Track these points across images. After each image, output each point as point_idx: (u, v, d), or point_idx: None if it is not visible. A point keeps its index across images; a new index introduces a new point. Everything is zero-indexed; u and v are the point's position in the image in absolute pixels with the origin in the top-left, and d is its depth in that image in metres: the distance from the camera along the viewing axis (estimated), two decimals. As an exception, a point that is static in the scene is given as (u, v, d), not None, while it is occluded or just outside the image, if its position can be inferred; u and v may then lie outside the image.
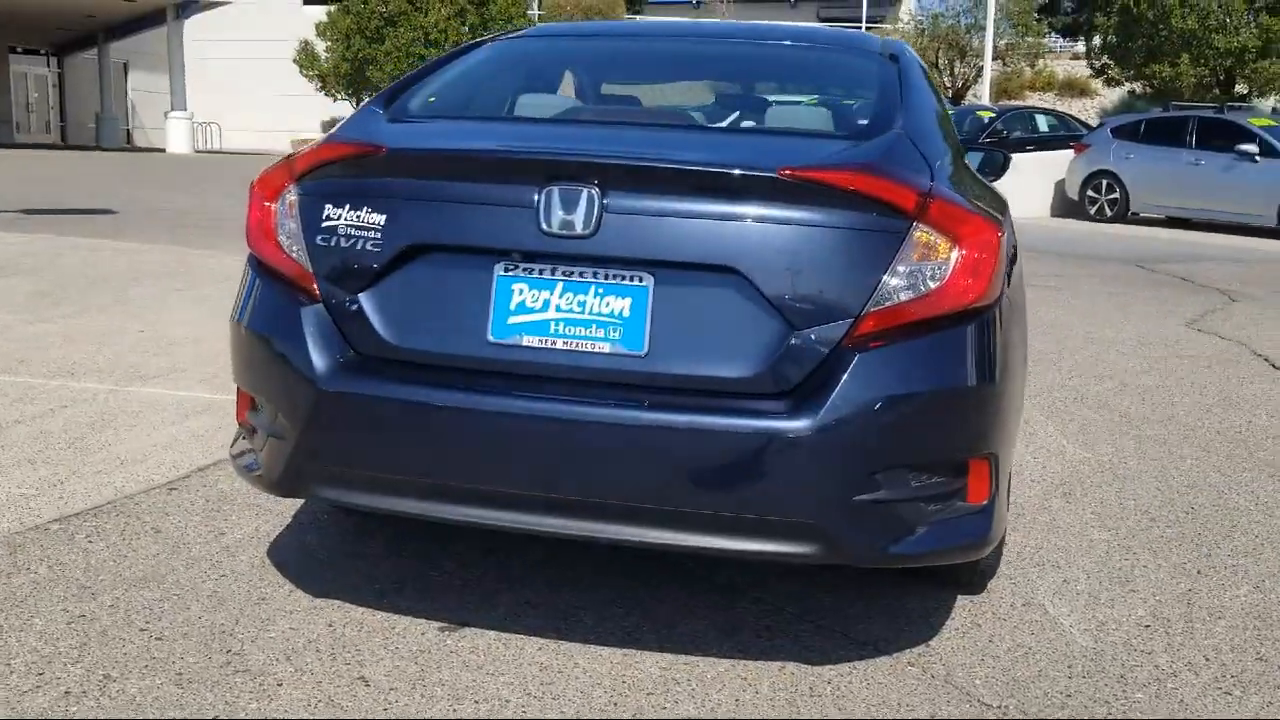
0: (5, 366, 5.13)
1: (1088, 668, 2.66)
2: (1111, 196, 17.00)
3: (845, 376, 2.24)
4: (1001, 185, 3.49)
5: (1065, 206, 17.89)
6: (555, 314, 2.36)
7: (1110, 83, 30.15)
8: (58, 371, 5.07)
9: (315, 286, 2.48)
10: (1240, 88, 27.36)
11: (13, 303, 6.70)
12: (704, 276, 2.31)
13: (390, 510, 2.47)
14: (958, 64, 35.42)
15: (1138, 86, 28.94)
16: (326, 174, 2.52)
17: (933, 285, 2.29)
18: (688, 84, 3.62)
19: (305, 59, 36.10)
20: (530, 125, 2.91)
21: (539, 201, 2.33)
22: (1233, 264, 11.85)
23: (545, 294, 2.36)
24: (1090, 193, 17.22)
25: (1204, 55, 26.24)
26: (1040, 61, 36.29)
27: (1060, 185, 18.01)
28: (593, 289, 2.34)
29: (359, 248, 2.44)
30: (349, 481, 2.45)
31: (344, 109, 37.35)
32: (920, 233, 2.29)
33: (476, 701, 2.39)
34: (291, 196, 2.54)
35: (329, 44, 35.03)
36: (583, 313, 2.34)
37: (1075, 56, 39.37)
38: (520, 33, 3.55)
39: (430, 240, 2.41)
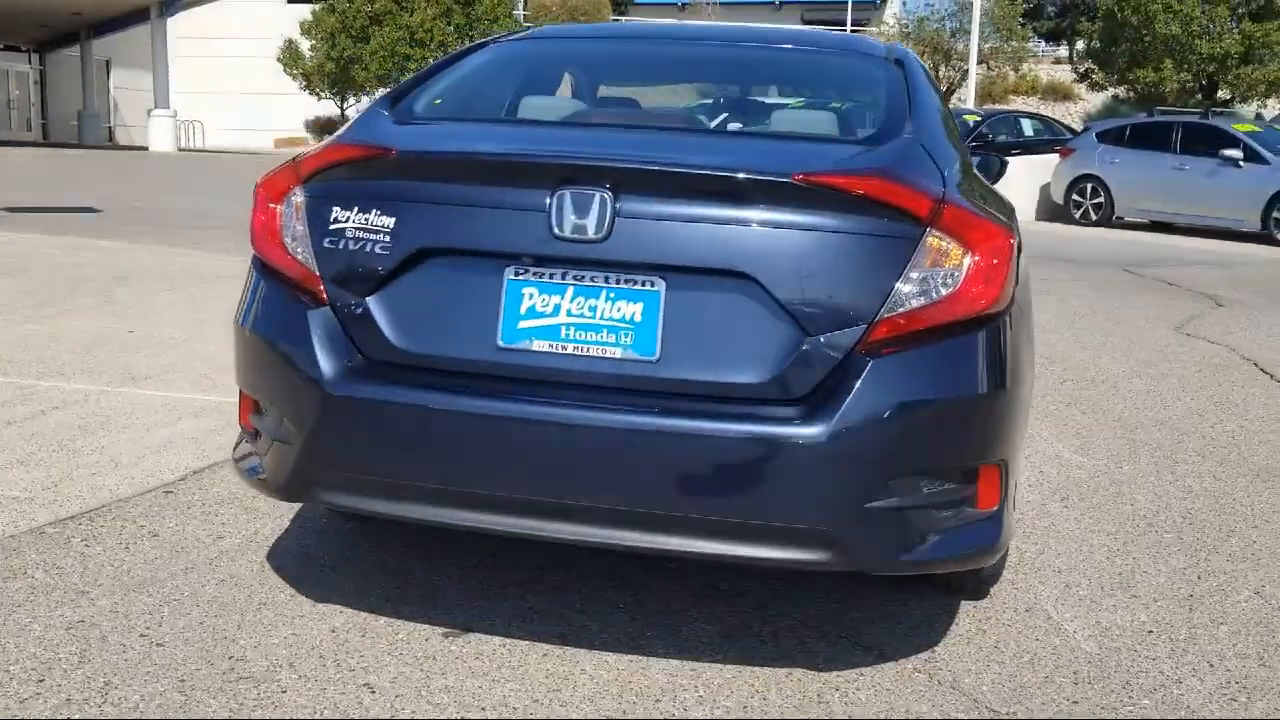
0: (-6, 367, 5.08)
1: (1093, 673, 2.66)
2: (1096, 200, 17.09)
3: (859, 383, 2.23)
4: (989, 189, 3.49)
5: (1050, 210, 17.98)
6: (566, 319, 2.34)
7: (1094, 87, 30.31)
8: (47, 372, 5.02)
9: (322, 289, 2.46)
10: (1223, 93, 27.55)
11: (-1, 302, 6.64)
12: (716, 281, 2.30)
13: (398, 516, 2.45)
14: (943, 68, 35.52)
15: (1121, 91, 29.11)
16: (334, 176, 2.50)
17: (946, 291, 2.28)
18: (694, 87, 3.62)
19: (289, 58, 35.94)
20: (541, 128, 2.89)
21: (551, 205, 2.31)
22: (1218, 268, 11.92)
23: (556, 298, 2.34)
24: (1075, 197, 17.31)
25: (1187, 61, 26.41)
26: (1024, 66, 36.44)
27: (1045, 189, 18.09)
28: (604, 294, 2.33)
29: (367, 251, 2.41)
30: (356, 487, 2.43)
31: (328, 108, 37.24)
32: (933, 238, 2.28)
33: (483, 708, 2.37)
34: (297, 198, 2.52)
35: (313, 43, 34.89)
36: (594, 317, 2.33)
37: (1057, 61, 39.60)
38: (523, 34, 3.53)
39: (440, 244, 2.39)
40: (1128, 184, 16.69)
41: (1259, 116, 23.46)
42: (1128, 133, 17.18)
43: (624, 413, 2.27)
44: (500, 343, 2.36)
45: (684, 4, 52.35)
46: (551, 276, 2.35)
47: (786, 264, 2.27)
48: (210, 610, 2.75)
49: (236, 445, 2.78)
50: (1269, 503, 4.01)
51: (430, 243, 2.40)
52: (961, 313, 2.30)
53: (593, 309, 2.33)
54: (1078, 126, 25.04)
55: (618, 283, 2.32)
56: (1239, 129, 16.20)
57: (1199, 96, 27.83)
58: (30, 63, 39.20)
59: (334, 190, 2.48)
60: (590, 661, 2.59)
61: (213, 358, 5.45)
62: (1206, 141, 16.03)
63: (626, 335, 2.32)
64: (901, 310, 2.27)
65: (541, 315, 2.35)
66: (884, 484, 2.25)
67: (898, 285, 2.27)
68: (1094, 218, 17.03)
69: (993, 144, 18.71)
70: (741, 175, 2.30)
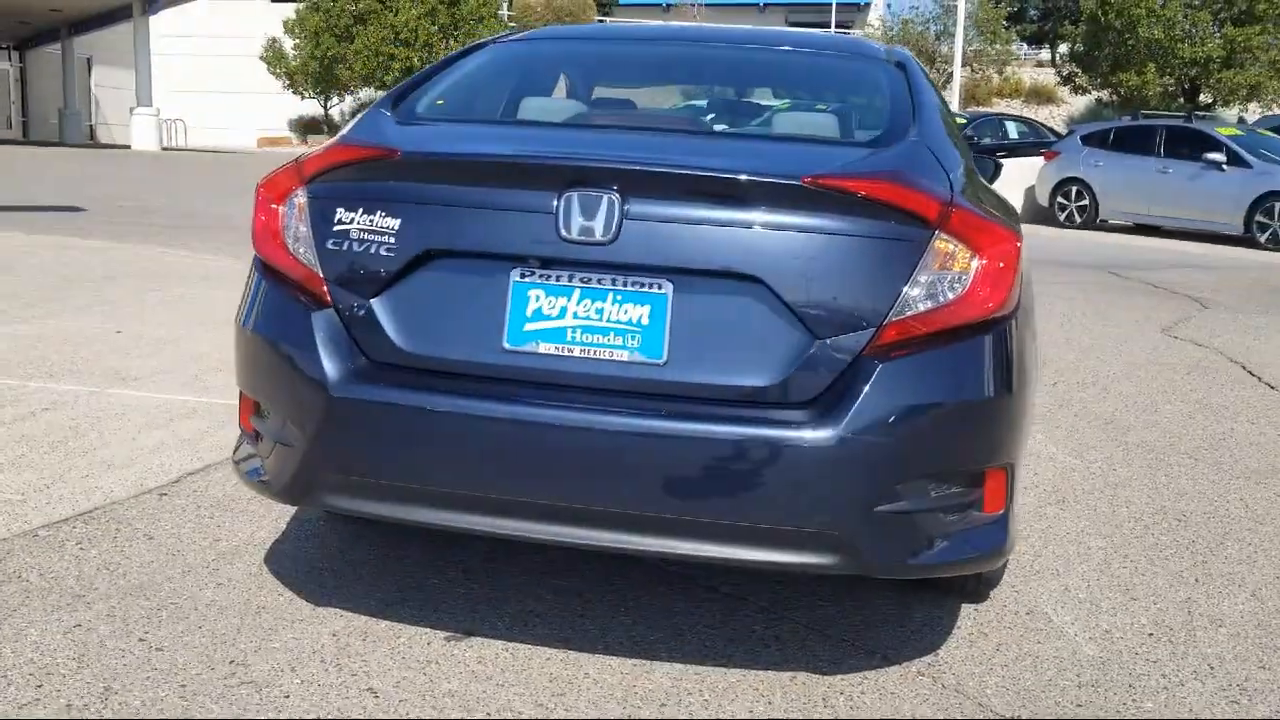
0: (-19, 367, 5.03)
1: (1095, 676, 2.67)
2: (1081, 203, 17.17)
3: (868, 387, 2.22)
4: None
5: (1035, 213, 18.04)
6: (572, 321, 2.33)
7: (1077, 91, 30.46)
8: (36, 373, 4.98)
9: (326, 291, 2.44)
10: (1205, 97, 27.73)
11: (-15, 302, 6.58)
12: (724, 284, 2.29)
13: (402, 520, 2.43)
14: (927, 70, 35.67)
15: (1104, 94, 29.26)
16: (338, 177, 2.48)
17: (954, 295, 2.28)
18: (696, 89, 3.60)
19: (273, 57, 35.79)
20: (547, 129, 2.88)
21: (558, 207, 2.30)
22: (1202, 271, 11.99)
23: (562, 301, 2.33)
24: (1060, 199, 17.39)
25: (1170, 65, 26.57)
26: (1007, 69, 36.61)
27: (1030, 192, 18.17)
28: (610, 296, 2.32)
29: (372, 252, 2.40)
30: (359, 490, 2.41)
31: (312, 107, 37.09)
32: (941, 242, 2.28)
33: (488, 713, 2.36)
34: (300, 199, 2.50)
35: (297, 42, 34.74)
36: (600, 320, 2.32)
37: (1039, 64, 39.78)
38: (523, 35, 3.51)
39: (445, 245, 2.38)
40: (1112, 187, 16.78)
41: (1241, 120, 23.62)
42: (1112, 136, 17.27)
43: (631, 416, 2.26)
44: (506, 345, 2.35)
45: (668, 5, 52.36)
46: (558, 279, 2.34)
47: (794, 267, 2.26)
48: (209, 614, 2.73)
49: (237, 447, 2.75)
50: (1263, 505, 4.02)
51: (436, 244, 2.38)
52: (969, 316, 2.29)
53: (599, 311, 2.32)
54: (1061, 129, 25.17)
55: (625, 285, 2.31)
56: (1222, 133, 16.30)
57: (1181, 100, 28.00)
58: (10, 60, 38.92)
59: (338, 191, 2.46)
60: (594, 665, 2.58)
61: (203, 358, 5.42)
62: (1190, 145, 16.13)
63: (633, 338, 2.31)
64: (909, 314, 2.27)
65: (548, 318, 2.34)
66: (892, 488, 2.24)
67: (906, 289, 2.27)
68: (1078, 220, 17.12)
69: (978, 147, 18.76)
70: (750, 178, 2.29)
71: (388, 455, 2.36)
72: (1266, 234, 15.05)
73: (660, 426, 2.24)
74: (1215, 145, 15.80)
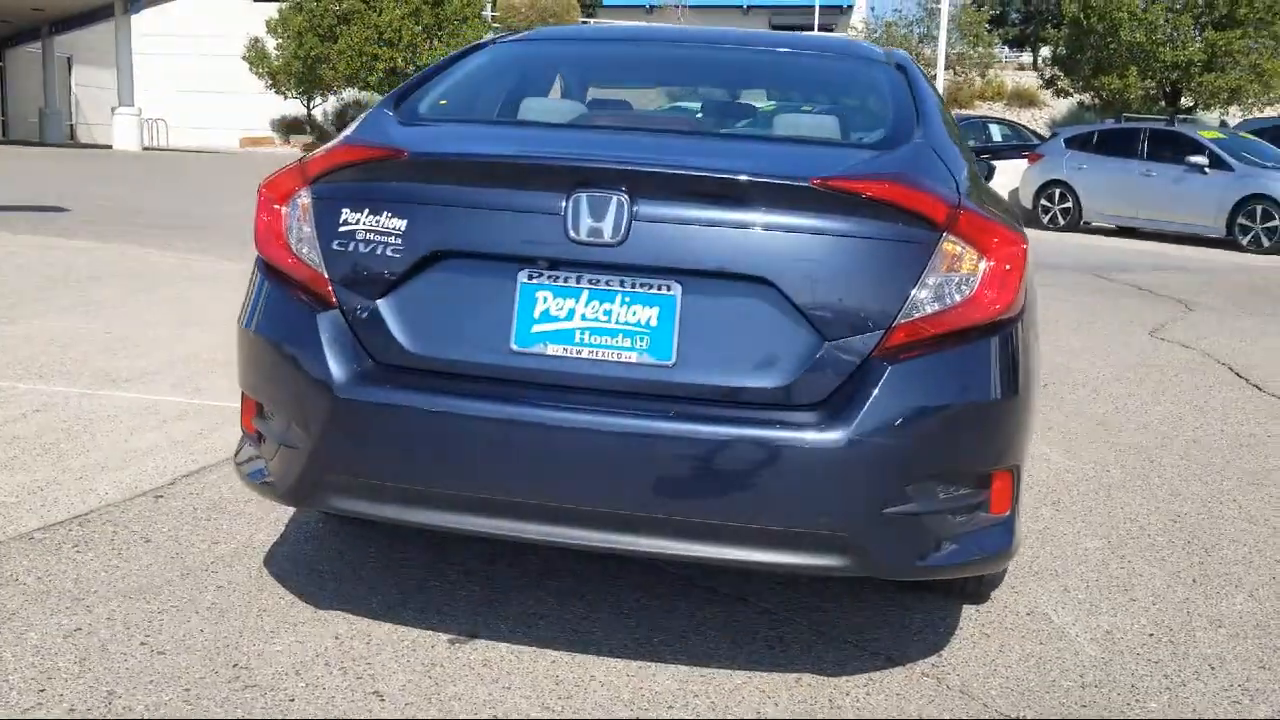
0: (-30, 369, 4.98)
1: (1098, 677, 2.67)
2: (1064, 206, 17.26)
3: (877, 388, 2.22)
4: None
5: (1019, 215, 18.13)
6: (580, 323, 2.32)
7: (1059, 94, 30.61)
8: (25, 374, 4.94)
9: (331, 292, 2.42)
10: (1186, 100, 27.92)
11: (-29, 302, 6.52)
12: (733, 286, 2.29)
13: (408, 522, 2.42)
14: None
15: (1086, 98, 29.42)
16: (343, 177, 2.47)
17: (962, 297, 2.28)
18: (700, 90, 3.60)
19: (255, 56, 35.62)
20: (555, 130, 2.87)
21: (566, 208, 2.29)
22: (1186, 273, 12.07)
23: (570, 302, 2.32)
24: (1044, 202, 17.48)
25: (1151, 68, 26.74)
26: (990, 72, 36.78)
27: (1014, 194, 18.24)
28: (619, 297, 2.31)
29: (378, 253, 2.38)
30: (365, 492, 2.39)
31: (295, 107, 36.93)
32: (949, 244, 2.29)
33: (495, 715, 2.35)
34: (304, 200, 2.48)
35: (279, 41, 34.59)
36: (609, 321, 2.31)
37: (1020, 67, 39.97)
38: (522, 36, 3.50)
39: (453, 246, 2.37)
40: (1095, 189, 16.87)
41: (1223, 124, 23.80)
42: (1096, 139, 17.38)
43: (639, 417, 2.26)
44: (514, 346, 2.34)
45: (652, 6, 52.41)
46: (566, 280, 2.33)
47: (804, 268, 2.26)
48: (210, 617, 2.71)
49: (239, 449, 2.73)
50: (1255, 506, 4.05)
51: (443, 245, 2.37)
52: (977, 318, 2.30)
53: (608, 313, 2.31)
54: (1044, 132, 25.29)
55: (633, 287, 2.31)
56: (1205, 136, 16.42)
57: (1162, 104, 28.18)
58: (-11, 59, 38.63)
59: (343, 192, 2.45)
60: (600, 668, 2.57)
61: (193, 359, 5.38)
62: (1173, 148, 16.24)
63: (642, 339, 2.30)
64: (918, 315, 2.27)
65: (555, 319, 2.33)
66: (901, 490, 2.24)
67: (914, 290, 2.27)
68: (1062, 223, 17.20)
69: (962, 149, 18.83)
70: (759, 179, 2.29)
71: (394, 457, 2.35)
72: (1248, 237, 15.16)
73: (669, 428, 2.24)
74: (1198, 148, 15.91)
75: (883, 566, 2.31)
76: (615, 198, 2.27)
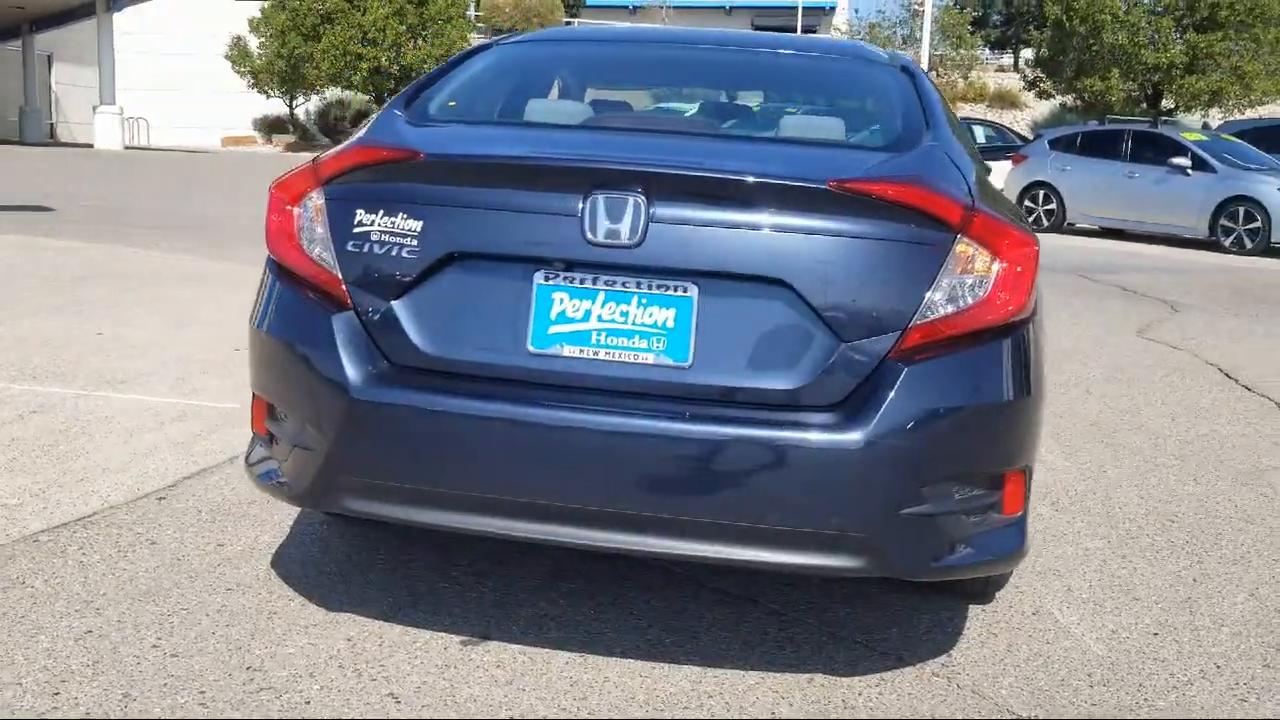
0: (-37, 370, 4.95)
1: (1106, 676, 2.70)
2: (1049, 207, 17.35)
3: (894, 390, 2.24)
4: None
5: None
6: (597, 324, 2.32)
7: (1042, 95, 30.78)
8: (19, 375, 4.90)
9: (346, 293, 2.42)
10: (1167, 102, 28.11)
11: (-40, 303, 6.47)
12: (749, 287, 2.30)
13: (424, 524, 2.42)
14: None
15: (1069, 99, 29.59)
16: (358, 178, 2.46)
17: (976, 299, 2.30)
18: (710, 91, 3.60)
19: (237, 55, 35.44)
20: (570, 132, 2.87)
21: (584, 210, 2.30)
22: (1170, 274, 12.16)
23: (587, 304, 2.33)
24: (1028, 203, 17.55)
25: (1133, 70, 26.92)
26: (972, 73, 36.95)
27: (999, 195, 18.31)
28: (635, 299, 2.32)
29: (394, 254, 2.38)
30: (381, 493, 2.39)
31: (277, 106, 36.76)
32: (963, 246, 2.30)
33: (512, 717, 2.35)
34: (317, 201, 2.48)
35: (262, 40, 34.42)
36: (625, 323, 2.32)
37: (1001, 69, 40.17)
38: (527, 37, 3.50)
39: (469, 248, 2.37)
40: (1079, 191, 16.97)
41: (1206, 126, 23.96)
42: (1079, 140, 17.48)
43: (656, 419, 2.27)
44: (531, 348, 2.34)
45: (635, 7, 52.42)
46: (583, 281, 2.33)
47: (820, 270, 2.27)
48: (220, 620, 2.70)
49: (250, 450, 2.72)
50: (1252, 505, 4.09)
51: (459, 247, 2.37)
52: (990, 320, 2.32)
53: (624, 314, 2.32)
54: (1026, 134, 25.42)
55: (650, 288, 2.31)
56: (1187, 137, 16.54)
57: (1144, 106, 28.37)
58: (-32, 57, 38.26)
59: (357, 193, 2.45)
60: (613, 669, 2.58)
61: (187, 360, 5.36)
62: (1156, 150, 16.35)
63: (659, 341, 2.31)
64: (933, 317, 2.29)
65: (572, 320, 2.33)
66: (918, 491, 2.26)
67: (929, 292, 2.28)
68: (1046, 224, 17.28)
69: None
70: (776, 181, 2.30)
71: (411, 459, 2.35)
72: (1231, 238, 15.28)
73: (686, 430, 2.25)
74: (1181, 150, 16.03)
75: (899, 567, 2.32)
76: (633, 199, 2.28)
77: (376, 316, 2.40)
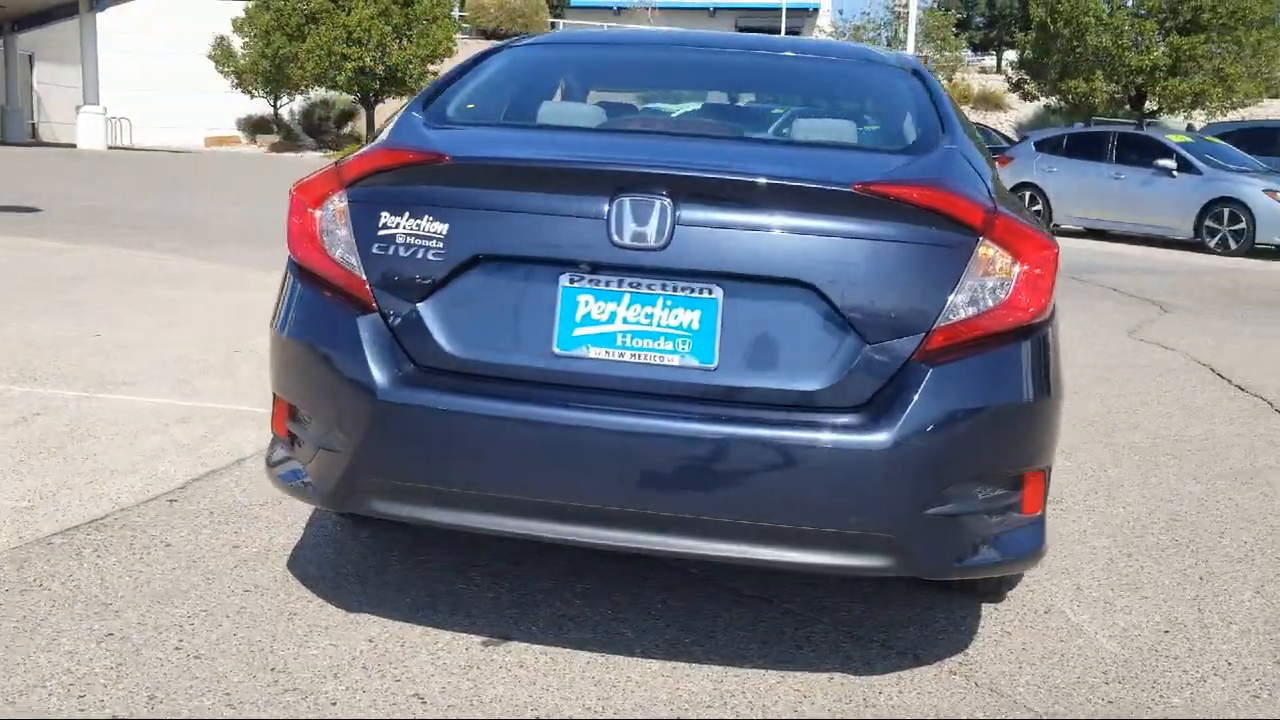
0: (-37, 372, 4.92)
1: (1121, 673, 2.73)
2: (1035, 208, 17.41)
3: (919, 391, 2.26)
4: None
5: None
6: (622, 326, 2.34)
7: (1026, 97, 30.94)
8: (19, 377, 4.88)
9: (370, 295, 2.43)
10: (1150, 104, 28.30)
11: (-46, 304, 6.44)
12: (774, 289, 2.32)
13: (451, 525, 2.43)
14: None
15: (1053, 101, 29.75)
16: (382, 181, 2.47)
17: (998, 301, 2.32)
18: (729, 94, 3.62)
19: (221, 55, 35.26)
20: (593, 135, 2.88)
21: (610, 212, 2.31)
22: (1157, 275, 12.25)
23: (612, 305, 2.34)
24: (1014, 204, 17.63)
25: (1117, 72, 27.09)
26: (956, 75, 37.11)
27: (985, 196, 18.40)
28: (660, 301, 2.33)
29: (419, 257, 2.39)
30: (407, 495, 2.40)
31: (261, 106, 36.58)
32: (985, 249, 2.33)
33: (538, 717, 2.36)
34: (340, 203, 2.48)
35: (246, 40, 34.26)
36: (650, 325, 2.33)
37: (983, 70, 40.37)
38: (538, 40, 3.51)
39: (495, 250, 2.38)
40: (1065, 192, 17.06)
41: (1190, 128, 24.14)
42: (1065, 142, 17.57)
43: (682, 420, 2.28)
44: (556, 350, 2.35)
45: (619, 8, 52.42)
46: (607, 284, 2.35)
47: (845, 272, 2.29)
48: (241, 621, 2.70)
49: (270, 451, 2.73)
50: (1252, 504, 4.13)
51: (485, 249, 2.38)
52: (1012, 321, 2.34)
53: (649, 316, 2.33)
54: (1011, 135, 25.54)
55: (675, 290, 2.33)
56: (1173, 139, 16.66)
57: (1127, 107, 28.55)
58: (-52, 56, 37.96)
59: (382, 195, 2.45)
60: (634, 669, 2.59)
61: (185, 361, 5.35)
62: (1141, 151, 16.45)
63: (684, 342, 2.33)
64: (956, 319, 2.31)
65: (597, 322, 2.35)
66: (943, 491, 2.28)
67: (953, 294, 2.31)
68: (1032, 225, 17.36)
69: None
70: (801, 184, 2.32)
71: (437, 460, 2.36)
72: (1215, 239, 15.39)
73: (713, 431, 2.26)
74: (1166, 152, 16.13)
75: (925, 567, 2.34)
76: (659, 202, 2.30)
77: (401, 319, 2.41)
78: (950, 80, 36.17)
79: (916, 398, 2.25)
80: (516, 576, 3.05)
